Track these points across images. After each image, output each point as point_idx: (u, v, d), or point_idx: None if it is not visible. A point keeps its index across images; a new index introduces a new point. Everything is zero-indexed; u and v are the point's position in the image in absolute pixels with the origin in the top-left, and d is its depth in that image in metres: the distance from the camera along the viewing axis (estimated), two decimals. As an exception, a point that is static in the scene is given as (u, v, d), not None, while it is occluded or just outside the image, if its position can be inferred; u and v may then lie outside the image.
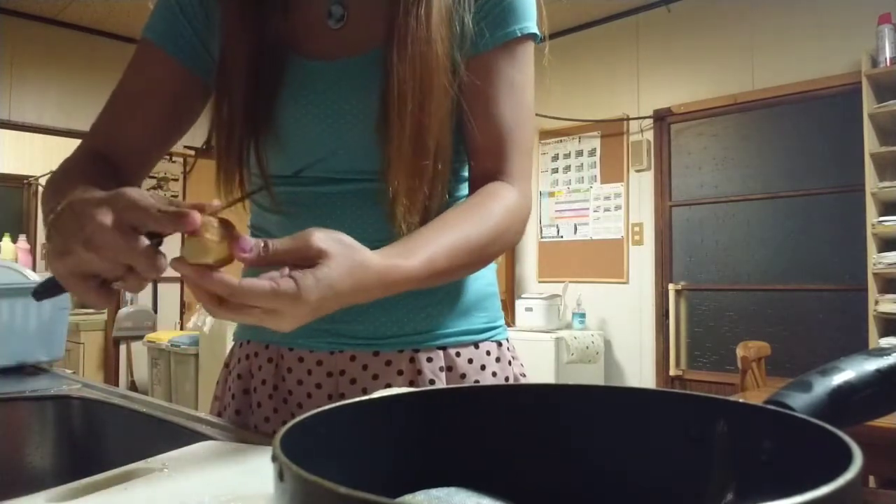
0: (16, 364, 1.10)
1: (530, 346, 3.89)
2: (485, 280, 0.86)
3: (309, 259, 0.53)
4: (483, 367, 0.82)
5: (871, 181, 3.17)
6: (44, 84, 4.28)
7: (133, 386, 4.56)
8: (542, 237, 4.71)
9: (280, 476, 0.26)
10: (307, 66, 0.77)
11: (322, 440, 0.33)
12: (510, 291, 4.77)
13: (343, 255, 0.54)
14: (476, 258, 0.70)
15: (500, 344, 0.86)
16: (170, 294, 4.90)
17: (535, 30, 0.79)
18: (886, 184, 3.14)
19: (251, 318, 0.52)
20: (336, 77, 0.76)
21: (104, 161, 0.77)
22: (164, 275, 0.52)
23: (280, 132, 0.78)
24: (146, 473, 0.53)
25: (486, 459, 0.39)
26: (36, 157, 5.50)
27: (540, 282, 4.68)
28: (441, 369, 0.80)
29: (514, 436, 0.40)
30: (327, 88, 0.76)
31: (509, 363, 0.86)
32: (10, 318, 1.09)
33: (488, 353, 0.84)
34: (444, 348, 0.81)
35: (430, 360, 0.80)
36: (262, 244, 0.52)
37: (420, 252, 0.63)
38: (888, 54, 3.15)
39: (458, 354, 0.81)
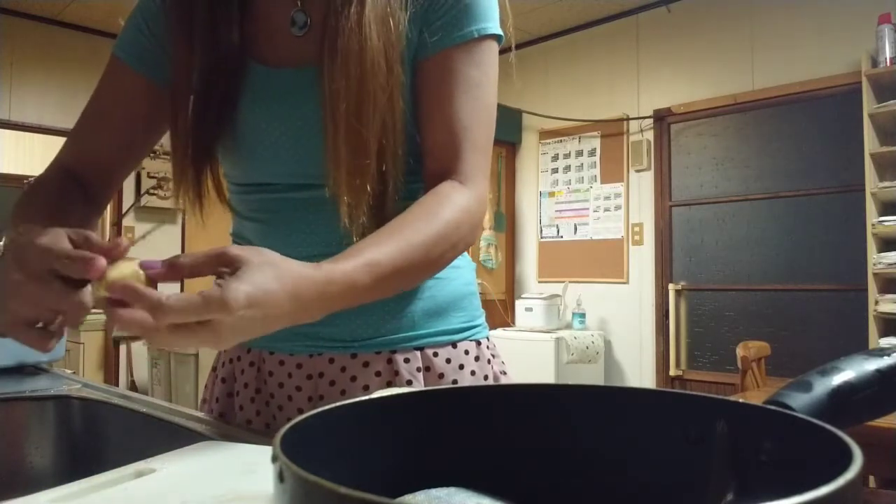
0: (16, 364, 1.10)
1: (530, 346, 3.85)
2: (462, 280, 0.86)
3: (229, 265, 0.52)
4: (461, 367, 0.82)
5: (871, 181, 3.17)
6: (44, 84, 4.28)
7: (133, 386, 4.55)
8: (542, 237, 4.71)
9: (280, 476, 0.26)
10: (270, 75, 0.77)
11: (322, 440, 0.33)
12: (510, 291, 4.77)
13: (264, 262, 0.52)
14: (421, 262, 0.67)
15: (479, 343, 0.86)
16: (170, 294, 4.89)
17: (496, 30, 0.77)
18: (886, 184, 3.14)
19: (187, 340, 0.50)
20: (300, 84, 0.76)
21: (72, 178, 0.79)
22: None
23: (243, 141, 0.78)
24: (146, 473, 0.53)
25: (486, 459, 0.39)
26: (36, 157, 5.49)
27: (540, 282, 4.68)
28: (418, 370, 0.80)
29: (514, 436, 0.40)
30: (291, 96, 0.76)
31: (488, 362, 0.86)
32: (10, 318, 1.08)
33: (466, 352, 0.84)
34: (421, 349, 0.81)
35: (407, 360, 0.80)
36: (173, 258, 0.52)
37: (358, 257, 0.60)
38: (888, 54, 3.15)
39: (435, 354, 0.81)
